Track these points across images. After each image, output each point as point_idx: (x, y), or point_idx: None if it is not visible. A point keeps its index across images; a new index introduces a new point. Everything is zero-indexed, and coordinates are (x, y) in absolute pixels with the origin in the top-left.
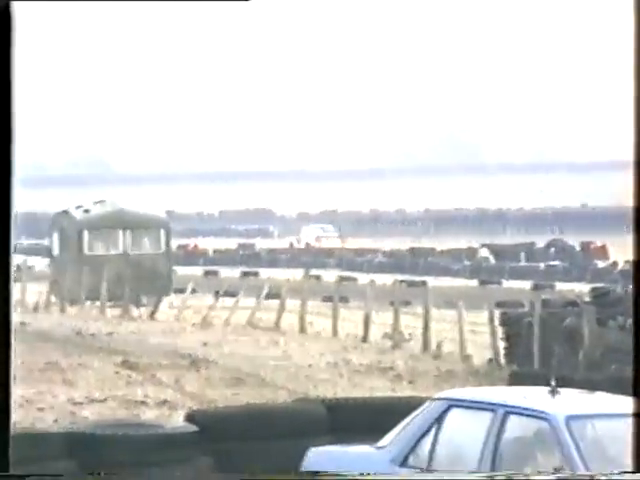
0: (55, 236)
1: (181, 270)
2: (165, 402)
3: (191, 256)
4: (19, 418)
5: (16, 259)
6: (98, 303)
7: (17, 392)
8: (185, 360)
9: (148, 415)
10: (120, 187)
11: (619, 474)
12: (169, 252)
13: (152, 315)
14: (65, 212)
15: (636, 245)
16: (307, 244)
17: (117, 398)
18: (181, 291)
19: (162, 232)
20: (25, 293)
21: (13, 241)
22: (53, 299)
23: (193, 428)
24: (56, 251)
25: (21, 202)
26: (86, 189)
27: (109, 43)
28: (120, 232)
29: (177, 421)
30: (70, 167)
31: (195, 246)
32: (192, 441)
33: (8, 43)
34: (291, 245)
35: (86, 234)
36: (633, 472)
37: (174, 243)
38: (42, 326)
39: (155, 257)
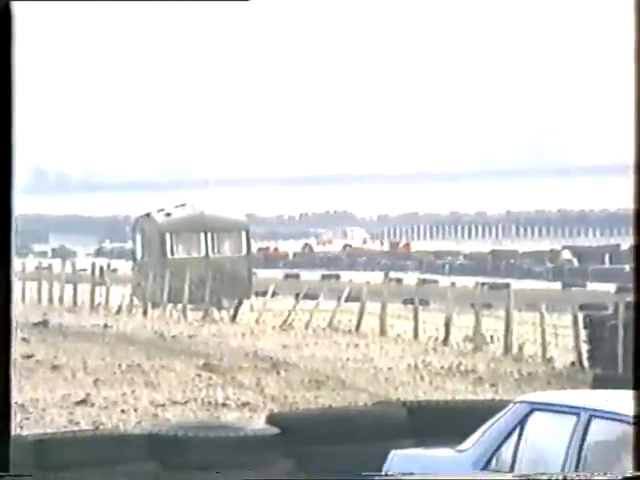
0: (138, 239)
1: (261, 273)
2: (246, 404)
3: (271, 259)
4: (104, 419)
5: (100, 262)
6: (180, 306)
7: (101, 394)
8: (266, 363)
9: (229, 417)
10: (201, 190)
11: (619, 474)
12: (250, 255)
13: (233, 318)
14: (147, 216)
15: (637, 249)
16: (391, 244)
17: (198, 400)
18: (262, 294)
19: (243, 235)
20: (108, 296)
21: (99, 244)
22: (136, 302)
23: (274, 430)
24: (139, 254)
25: (104, 206)
26: (168, 193)
27: (150, 46)
28: (201, 235)
29: (258, 423)
30: (152, 172)
31: (275, 249)
32: (273, 443)
33: (8, 43)
34: (308, 247)
35: (168, 237)
36: (633, 472)
37: (255, 246)
38: (125, 329)
39: (236, 260)
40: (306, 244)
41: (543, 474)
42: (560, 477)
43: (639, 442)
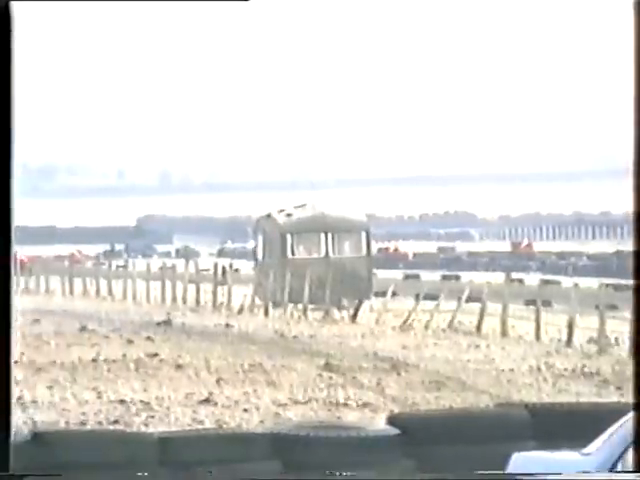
0: (259, 240)
1: (381, 273)
2: (366, 404)
3: (391, 259)
4: (227, 418)
5: (222, 262)
6: (300, 306)
7: (224, 393)
8: (386, 363)
9: (350, 417)
10: (322, 191)
11: (619, 474)
12: (370, 255)
13: (353, 318)
14: (268, 216)
15: (637, 249)
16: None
17: (319, 400)
18: (381, 294)
19: (363, 235)
20: (230, 295)
21: (221, 245)
22: (257, 301)
23: (395, 431)
24: (260, 254)
25: (227, 207)
26: (289, 193)
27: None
28: (322, 236)
29: (379, 424)
30: (274, 173)
31: (395, 249)
32: (394, 444)
33: (8, 43)
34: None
35: (289, 238)
36: (633, 472)
37: (374, 246)
38: (247, 328)
39: (356, 260)
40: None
41: (544, 474)
42: (560, 477)
43: (639, 441)
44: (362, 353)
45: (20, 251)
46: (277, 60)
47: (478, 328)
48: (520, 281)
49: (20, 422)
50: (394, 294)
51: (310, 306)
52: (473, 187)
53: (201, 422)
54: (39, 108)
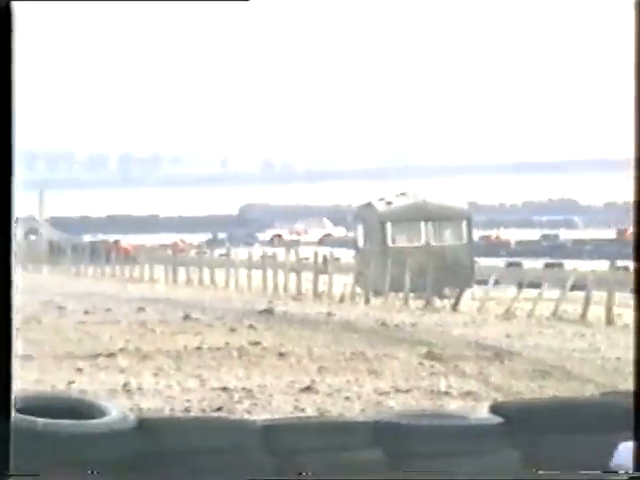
0: (359, 228)
1: (483, 261)
2: (469, 393)
3: (493, 247)
4: (329, 406)
5: (323, 250)
6: (401, 294)
7: (326, 381)
8: (488, 351)
9: (452, 406)
10: (422, 179)
11: (619, 474)
12: (471, 243)
13: (455, 306)
14: (369, 205)
15: (636, 246)
16: None
17: (421, 388)
18: (483, 282)
19: (464, 223)
20: (331, 284)
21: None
22: (358, 290)
23: (498, 420)
24: (360, 243)
25: (327, 195)
26: (389, 181)
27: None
28: (422, 224)
29: (482, 412)
30: (374, 161)
31: (497, 237)
32: (497, 433)
33: (8, 43)
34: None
35: (389, 226)
36: (633, 472)
37: (476, 234)
38: (348, 316)
39: (457, 248)
40: (275, 235)
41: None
42: (562, 477)
43: (639, 439)
44: (464, 341)
45: (124, 240)
46: (362, 46)
47: (583, 316)
48: (626, 269)
49: (126, 409)
50: (496, 282)
51: (411, 294)
52: (576, 174)
53: (303, 410)
54: (142, 99)
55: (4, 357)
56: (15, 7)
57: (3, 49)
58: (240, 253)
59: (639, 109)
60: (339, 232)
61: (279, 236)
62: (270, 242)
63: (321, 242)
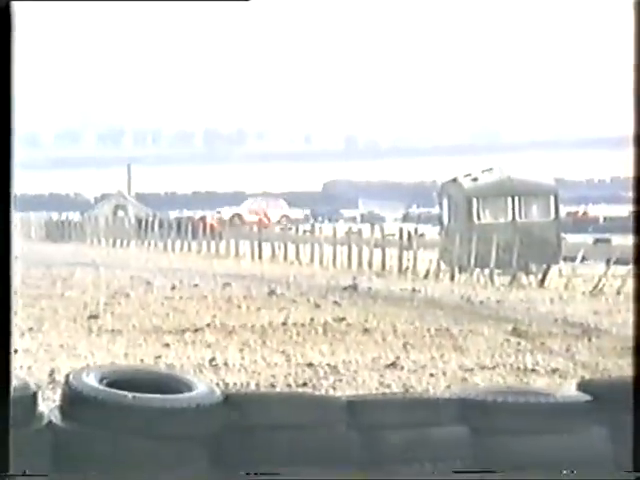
0: (444, 205)
1: (570, 238)
2: (555, 370)
3: (581, 223)
4: (413, 383)
5: (407, 227)
6: (487, 271)
7: (410, 357)
8: (576, 329)
9: (538, 383)
10: (508, 154)
11: (619, 474)
12: (558, 219)
13: (541, 283)
14: (454, 181)
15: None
16: None
17: (507, 365)
18: (570, 259)
19: (551, 199)
20: (416, 260)
21: (406, 210)
22: (443, 266)
23: (586, 397)
24: (445, 219)
25: (412, 171)
26: (475, 157)
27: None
28: (508, 200)
29: (569, 390)
30: (460, 136)
31: (585, 213)
32: (585, 410)
33: (8, 43)
34: None
35: (475, 202)
36: (633, 472)
37: (563, 210)
38: (432, 293)
39: (544, 225)
40: (235, 214)
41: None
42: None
43: (639, 442)
44: (551, 318)
45: (210, 216)
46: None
47: None
48: None
49: (213, 384)
50: (584, 259)
51: (497, 271)
52: None
53: (388, 386)
54: (225, 77)
55: (3, 355)
56: (15, 7)
57: (3, 49)
58: (325, 229)
59: (639, 109)
60: (296, 214)
61: (240, 216)
62: (230, 222)
63: (405, 218)
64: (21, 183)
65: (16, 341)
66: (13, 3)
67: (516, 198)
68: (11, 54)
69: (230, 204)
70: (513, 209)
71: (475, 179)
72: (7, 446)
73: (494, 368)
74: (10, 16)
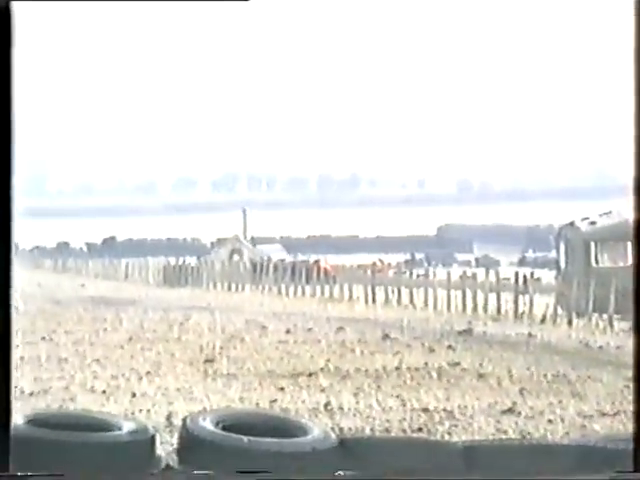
0: (561, 248)
1: None
2: None
3: None
4: (531, 429)
5: (523, 271)
6: (605, 316)
7: (527, 403)
8: None
9: None
10: (626, 197)
11: (619, 474)
12: None
13: None
14: (571, 224)
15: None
16: None
17: (627, 412)
18: None
19: None
20: (532, 305)
21: (522, 253)
22: (560, 311)
23: None
24: (562, 263)
25: (527, 215)
26: (592, 200)
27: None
28: (628, 244)
29: None
30: (575, 179)
31: None
32: None
33: (8, 43)
34: None
35: (593, 246)
36: (633, 472)
37: None
38: (549, 338)
39: None
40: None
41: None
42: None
43: (639, 442)
44: None
45: (324, 260)
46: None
47: None
48: None
49: (328, 428)
50: None
51: (616, 316)
52: None
53: (504, 432)
54: (337, 124)
55: (3, 359)
56: (15, 7)
57: (3, 49)
58: (439, 273)
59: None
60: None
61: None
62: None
63: (521, 262)
64: (139, 229)
65: (134, 385)
66: (13, 3)
67: (635, 242)
68: (11, 54)
69: (344, 248)
70: (632, 253)
71: (593, 222)
72: (7, 446)
73: (614, 415)
74: (10, 16)
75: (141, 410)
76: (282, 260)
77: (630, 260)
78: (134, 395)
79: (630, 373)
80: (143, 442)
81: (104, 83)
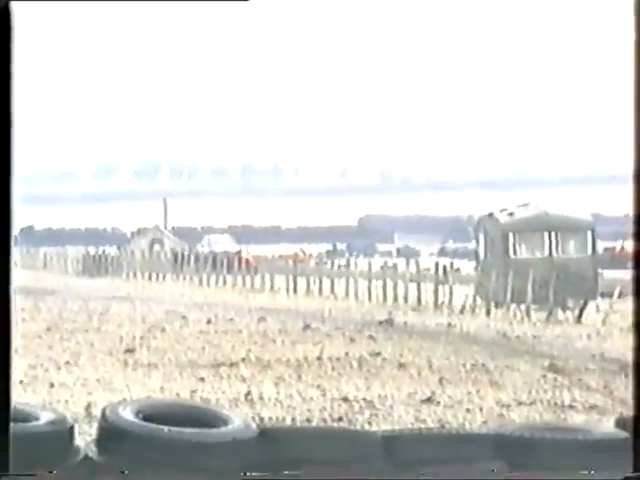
0: (481, 239)
1: (608, 273)
2: (594, 407)
3: (618, 259)
4: (449, 418)
5: (443, 261)
6: (523, 306)
7: (446, 392)
8: (614, 365)
9: (576, 419)
10: (544, 189)
11: (619, 474)
12: (595, 255)
13: (578, 319)
14: (490, 216)
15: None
16: None
17: (544, 401)
18: (608, 295)
19: (588, 234)
20: (452, 295)
21: (442, 244)
22: (479, 301)
23: (624, 434)
24: (481, 254)
25: (447, 206)
26: (510, 192)
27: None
28: (545, 235)
29: (607, 427)
30: (494, 171)
31: (622, 249)
32: (623, 447)
33: (8, 43)
34: None
35: (511, 237)
36: (633, 472)
37: (600, 246)
38: (468, 328)
39: (581, 260)
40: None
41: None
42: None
43: (639, 442)
44: (588, 354)
45: (245, 250)
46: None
47: None
48: None
49: (248, 418)
50: (621, 294)
51: (533, 306)
52: None
53: (424, 421)
54: (260, 112)
55: (3, 360)
56: (15, 7)
57: (3, 49)
58: (360, 263)
59: (639, 108)
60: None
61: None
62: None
63: (441, 252)
64: (58, 218)
65: (53, 375)
66: (13, 3)
67: (553, 233)
68: (11, 54)
69: (266, 239)
70: (550, 244)
71: (511, 214)
72: (7, 446)
73: (531, 404)
74: (10, 16)
75: (59, 400)
76: (211, 251)
77: (547, 251)
78: (52, 385)
79: (546, 362)
80: (61, 432)
81: (25, 66)
